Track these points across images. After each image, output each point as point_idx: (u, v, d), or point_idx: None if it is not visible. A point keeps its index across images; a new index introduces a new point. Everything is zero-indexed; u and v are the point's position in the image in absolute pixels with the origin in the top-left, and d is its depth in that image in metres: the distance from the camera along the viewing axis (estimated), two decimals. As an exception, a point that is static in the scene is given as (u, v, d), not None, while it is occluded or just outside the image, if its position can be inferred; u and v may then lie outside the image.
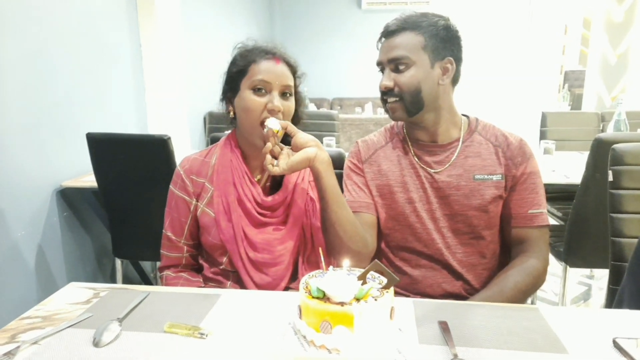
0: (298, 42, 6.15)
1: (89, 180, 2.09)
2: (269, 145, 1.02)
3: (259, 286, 1.13)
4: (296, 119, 1.17)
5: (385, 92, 1.13)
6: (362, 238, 1.11)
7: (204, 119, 3.75)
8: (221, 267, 1.15)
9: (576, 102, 5.80)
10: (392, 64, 1.11)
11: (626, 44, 4.20)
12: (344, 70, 6.21)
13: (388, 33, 1.12)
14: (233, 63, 1.14)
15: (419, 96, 1.10)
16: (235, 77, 1.12)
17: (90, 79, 2.31)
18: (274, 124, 1.03)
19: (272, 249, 1.12)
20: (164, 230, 1.20)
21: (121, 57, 2.59)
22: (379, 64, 1.15)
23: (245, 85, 1.09)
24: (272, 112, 1.07)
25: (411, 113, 1.12)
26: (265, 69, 1.08)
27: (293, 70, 1.14)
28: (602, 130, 3.06)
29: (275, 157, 1.03)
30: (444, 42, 1.11)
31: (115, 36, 2.54)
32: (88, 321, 0.86)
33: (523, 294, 1.09)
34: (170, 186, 1.19)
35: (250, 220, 1.13)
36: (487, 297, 1.06)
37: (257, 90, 1.08)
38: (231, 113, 1.15)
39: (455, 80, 1.15)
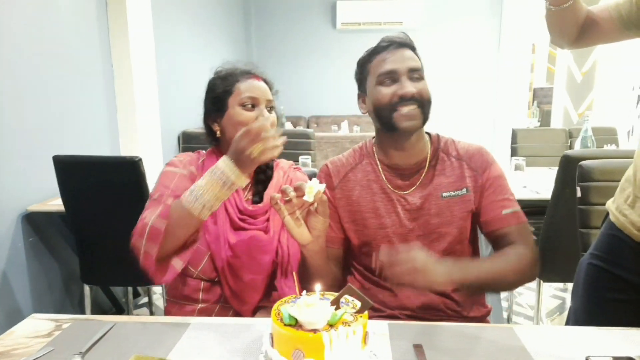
0: (274, 61, 6.18)
1: (56, 204, 2.02)
2: (288, 189, 0.95)
3: (235, 293, 1.16)
4: None
5: (408, 99, 1.09)
6: (332, 278, 1.13)
7: (178, 138, 3.70)
8: (194, 276, 1.17)
9: (545, 118, 5.97)
10: (411, 73, 1.12)
11: (590, 62, 4.37)
12: (320, 88, 6.26)
13: (400, 44, 1.14)
14: (215, 85, 1.20)
15: (430, 107, 1.14)
16: (221, 97, 1.18)
17: (59, 100, 2.26)
18: (308, 195, 0.92)
19: (250, 255, 1.16)
20: (150, 202, 1.09)
21: (92, 77, 2.55)
22: (392, 72, 1.11)
23: (234, 103, 1.16)
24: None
25: (424, 121, 1.13)
26: (251, 87, 1.17)
27: (270, 87, 1.22)
28: (570, 146, 3.15)
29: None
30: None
31: (86, 56, 2.50)
32: (48, 356, 0.82)
33: (515, 275, 1.04)
34: (168, 168, 1.17)
35: (230, 224, 1.17)
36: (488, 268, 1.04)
37: (245, 106, 1.16)
38: (217, 132, 1.20)
39: None
